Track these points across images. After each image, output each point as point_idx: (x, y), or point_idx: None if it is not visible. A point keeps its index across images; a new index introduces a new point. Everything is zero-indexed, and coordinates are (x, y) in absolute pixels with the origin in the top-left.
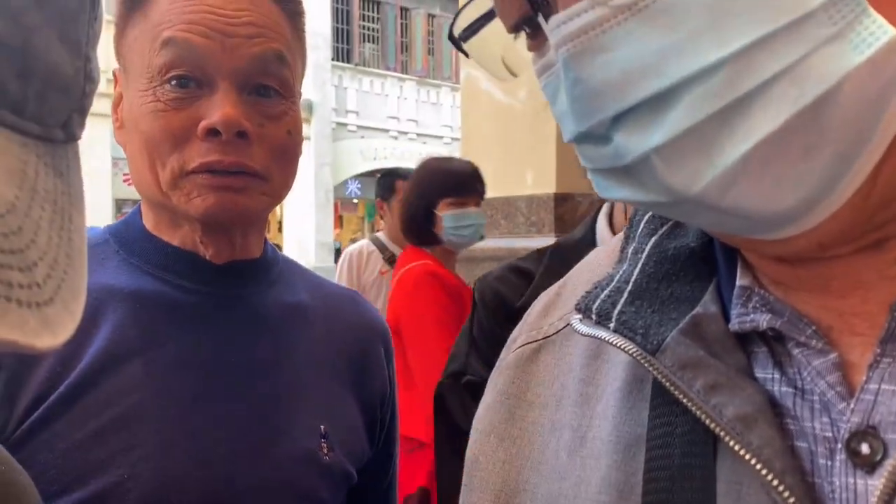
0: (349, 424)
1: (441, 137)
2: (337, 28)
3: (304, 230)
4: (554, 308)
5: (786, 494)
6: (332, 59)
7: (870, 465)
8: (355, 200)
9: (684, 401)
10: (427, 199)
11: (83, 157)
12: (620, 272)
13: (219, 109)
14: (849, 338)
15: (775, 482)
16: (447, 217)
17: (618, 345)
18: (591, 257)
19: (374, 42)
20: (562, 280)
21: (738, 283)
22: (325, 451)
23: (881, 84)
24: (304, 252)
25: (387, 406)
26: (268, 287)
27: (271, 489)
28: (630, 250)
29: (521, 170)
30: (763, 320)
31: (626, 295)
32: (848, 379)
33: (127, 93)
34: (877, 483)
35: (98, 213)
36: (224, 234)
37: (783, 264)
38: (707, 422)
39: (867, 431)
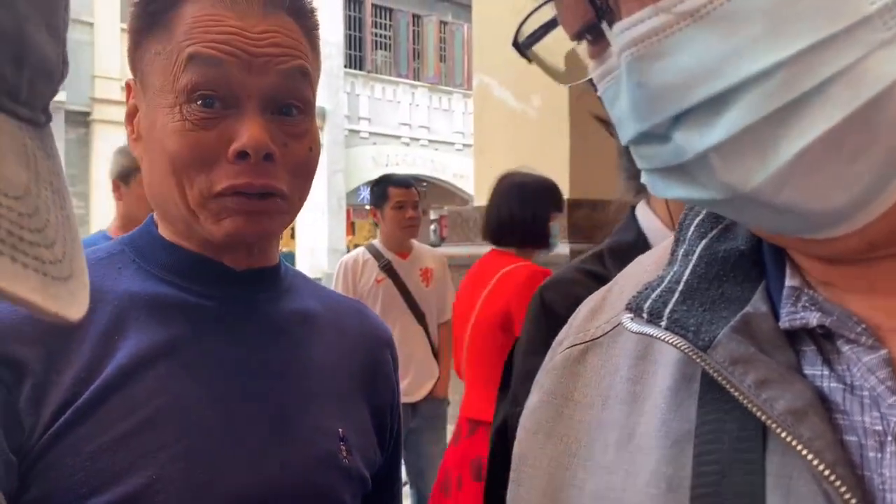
0: (363, 429)
1: (453, 144)
2: (349, 35)
3: (316, 237)
4: (601, 311)
5: (837, 484)
6: (345, 67)
7: None
8: (367, 207)
9: (736, 395)
10: (545, 210)
11: (99, 166)
12: (671, 273)
13: (247, 131)
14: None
15: (827, 472)
16: (553, 227)
17: (670, 341)
18: (638, 263)
19: (386, 49)
20: (608, 285)
21: (787, 283)
22: (344, 454)
23: None
24: (316, 259)
25: (395, 414)
26: (281, 295)
27: (295, 490)
28: (680, 253)
29: None
30: (813, 318)
31: (677, 295)
32: None
33: (146, 107)
34: None
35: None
36: (244, 246)
37: (831, 265)
38: (759, 415)
39: None
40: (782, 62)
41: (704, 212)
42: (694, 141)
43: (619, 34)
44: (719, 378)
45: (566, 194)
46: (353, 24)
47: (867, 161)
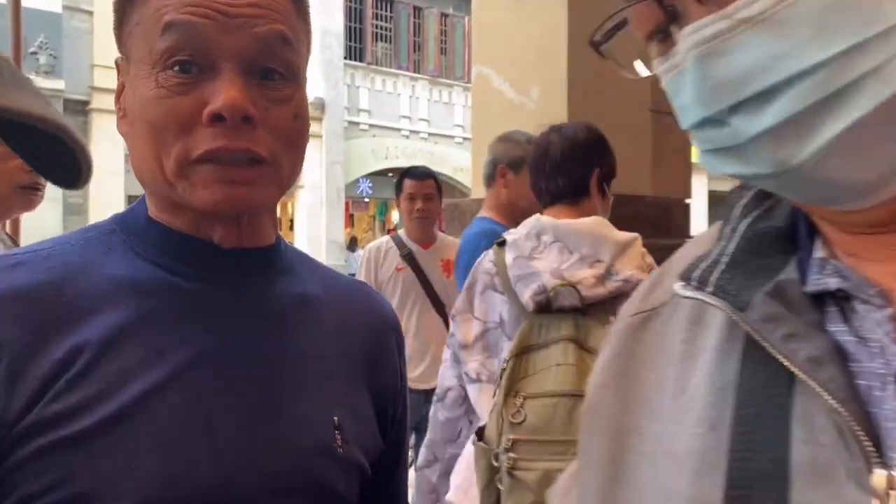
0: (362, 416)
1: (453, 137)
2: (350, 27)
3: (315, 229)
4: (659, 285)
5: (847, 416)
6: (345, 58)
7: None
8: (366, 199)
9: (766, 346)
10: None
11: (97, 155)
12: (718, 248)
13: (223, 94)
14: None
15: (839, 407)
16: None
17: (713, 303)
18: (692, 243)
19: (386, 41)
20: (667, 262)
21: (815, 255)
22: (340, 442)
23: None
24: (314, 250)
25: (398, 398)
26: (276, 277)
27: (286, 481)
28: (728, 231)
29: None
30: (833, 283)
31: (722, 265)
32: None
33: (129, 81)
34: None
35: (111, 210)
36: (231, 221)
37: (856, 237)
38: (785, 363)
39: None
40: (824, 62)
41: (749, 195)
42: (749, 125)
43: (688, 36)
44: (753, 333)
45: None
46: (354, 16)
47: (893, 144)
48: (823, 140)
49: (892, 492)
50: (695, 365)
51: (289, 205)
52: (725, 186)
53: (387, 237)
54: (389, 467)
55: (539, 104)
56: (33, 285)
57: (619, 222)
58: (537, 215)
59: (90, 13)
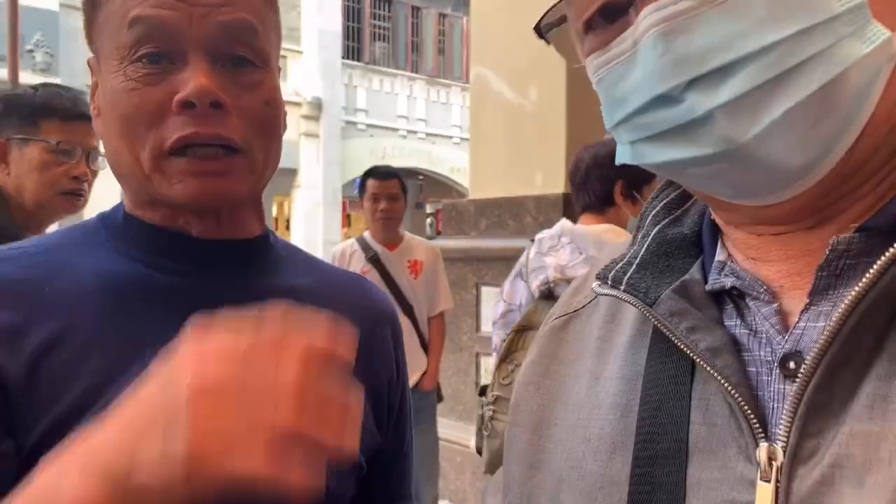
0: None
1: (450, 137)
2: (348, 26)
3: (311, 229)
4: (582, 289)
5: (738, 398)
6: (343, 58)
7: (793, 376)
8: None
9: (671, 337)
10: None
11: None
12: (631, 251)
13: (192, 81)
14: (792, 292)
15: (732, 391)
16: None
17: (626, 300)
18: (613, 249)
19: (384, 41)
20: (591, 269)
21: (716, 258)
22: None
23: (870, 75)
24: (311, 250)
25: (395, 391)
26: (263, 270)
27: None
28: (639, 236)
29: (530, 170)
30: (728, 282)
31: (633, 267)
32: (786, 322)
33: (101, 79)
34: (795, 385)
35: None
36: (210, 212)
37: (761, 238)
38: (687, 352)
39: (794, 354)
40: (778, 42)
41: (661, 205)
42: (704, 101)
43: (649, 14)
44: (660, 326)
45: (561, 188)
46: (352, 15)
47: (823, 128)
48: (772, 117)
49: (773, 462)
50: (608, 359)
51: (285, 205)
52: None
53: (351, 240)
54: (389, 461)
55: (537, 105)
56: (16, 280)
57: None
58: (564, 219)
59: None
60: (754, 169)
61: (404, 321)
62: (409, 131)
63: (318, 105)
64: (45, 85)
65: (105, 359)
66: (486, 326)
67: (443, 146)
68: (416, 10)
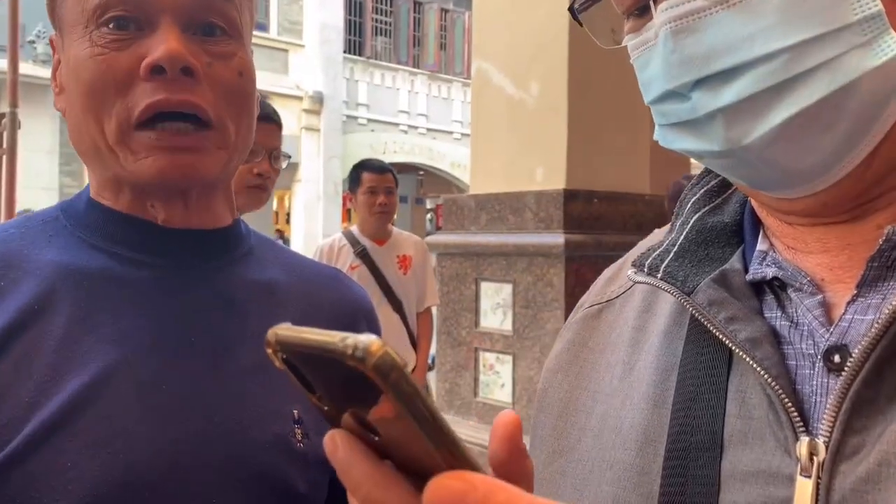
0: None
1: (451, 133)
2: (350, 21)
3: (311, 222)
4: (616, 279)
5: (778, 391)
6: (344, 52)
7: (838, 369)
8: None
9: (709, 327)
10: None
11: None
12: (669, 239)
13: (162, 45)
14: (835, 285)
15: (772, 382)
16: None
17: (663, 288)
18: (648, 238)
19: (386, 35)
20: (625, 256)
21: (757, 248)
22: (299, 437)
23: (887, 85)
24: (311, 244)
25: None
26: (234, 260)
27: (238, 479)
28: (678, 223)
29: (531, 165)
30: (770, 272)
31: (671, 255)
32: (829, 314)
33: (64, 52)
34: (841, 379)
35: None
36: (177, 196)
37: (796, 228)
38: (726, 342)
39: (839, 347)
40: (785, 48)
41: (700, 192)
42: (707, 101)
43: (664, 11)
44: (698, 315)
45: (562, 184)
46: (354, 9)
47: (833, 135)
48: (773, 123)
49: (815, 457)
50: (643, 349)
51: (286, 198)
52: None
53: (339, 234)
54: None
55: (538, 100)
56: None
57: (618, 220)
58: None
59: None
60: (760, 168)
61: (393, 317)
62: (409, 126)
63: (319, 99)
64: None
65: (62, 353)
66: (485, 321)
67: (444, 141)
68: (417, 4)
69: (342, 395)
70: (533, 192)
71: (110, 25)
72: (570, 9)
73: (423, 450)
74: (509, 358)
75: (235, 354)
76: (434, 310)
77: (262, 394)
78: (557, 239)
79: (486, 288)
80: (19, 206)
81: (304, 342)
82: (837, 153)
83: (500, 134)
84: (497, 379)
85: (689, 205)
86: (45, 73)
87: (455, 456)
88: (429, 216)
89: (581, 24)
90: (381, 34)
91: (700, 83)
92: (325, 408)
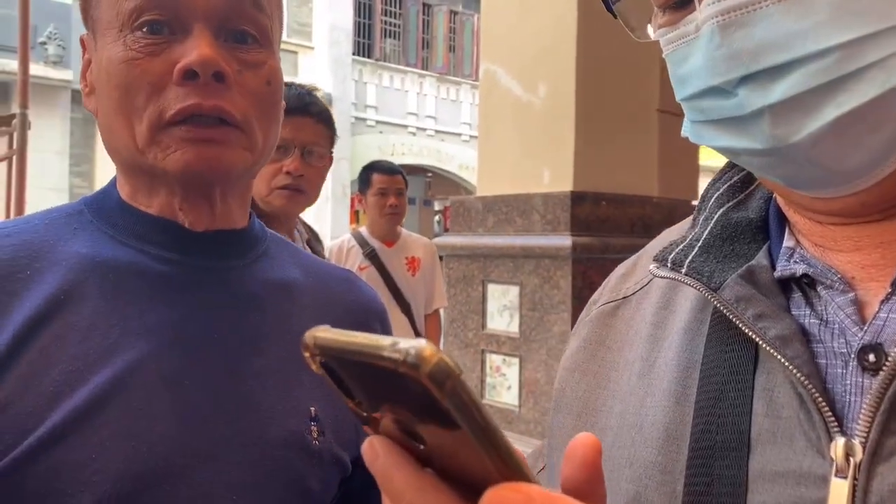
0: (343, 408)
1: (459, 135)
2: (359, 22)
3: (320, 224)
4: (632, 275)
5: (811, 389)
6: (353, 54)
7: (874, 369)
8: None
9: (738, 324)
10: None
11: (102, 148)
12: (692, 234)
13: (195, 50)
14: (867, 283)
15: (804, 380)
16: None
17: (688, 283)
18: (664, 234)
19: (395, 38)
20: (638, 252)
21: (784, 244)
22: (315, 435)
23: None
24: None
25: None
26: (253, 261)
27: (254, 475)
28: (701, 218)
29: (538, 167)
30: (799, 269)
31: (696, 249)
32: (862, 313)
33: (96, 54)
34: (878, 379)
35: None
36: (204, 197)
37: (826, 227)
38: (756, 339)
39: (875, 346)
40: (837, 46)
41: (724, 188)
42: (755, 98)
43: (710, 5)
44: (726, 311)
45: (569, 186)
46: (363, 11)
47: (881, 135)
48: (823, 122)
49: (850, 458)
50: (662, 345)
51: None
52: None
53: (348, 235)
54: None
55: (546, 103)
56: None
57: (626, 223)
58: None
59: None
60: (804, 167)
61: (402, 319)
62: (418, 128)
63: (327, 101)
64: (287, 85)
65: (88, 344)
66: (492, 323)
67: (452, 143)
68: (426, 7)
69: (383, 400)
70: (540, 195)
71: (144, 29)
72: (605, 0)
73: (474, 459)
74: (516, 360)
75: (255, 351)
76: (441, 311)
77: (280, 391)
78: (565, 241)
79: (493, 290)
80: (28, 207)
81: (346, 346)
82: (884, 153)
83: (507, 136)
84: (504, 381)
85: (712, 200)
86: (56, 74)
87: (509, 466)
88: (437, 218)
89: (615, 16)
90: (389, 36)
91: (747, 79)
92: (364, 413)
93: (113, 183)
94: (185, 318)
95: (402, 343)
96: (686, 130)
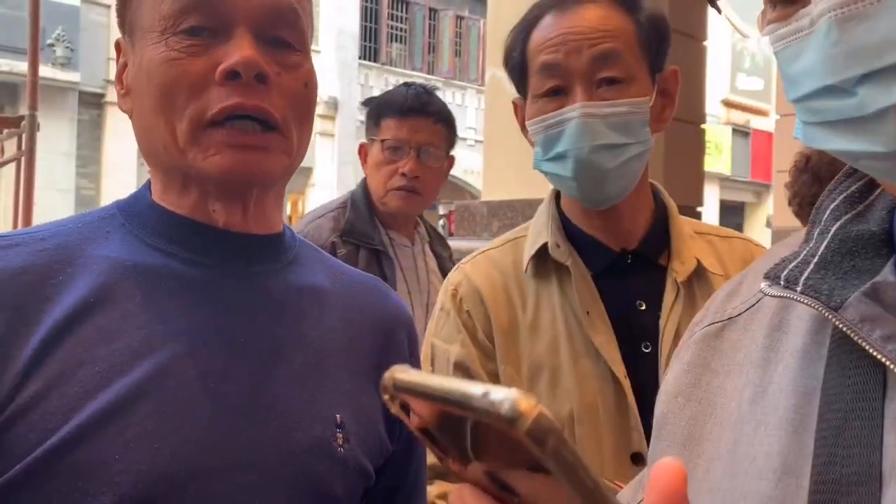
0: (368, 416)
1: (465, 139)
2: (365, 27)
3: None
4: (737, 294)
5: None
6: (359, 58)
7: None
8: None
9: (865, 346)
10: None
11: (111, 148)
12: (807, 249)
13: (237, 52)
14: None
15: None
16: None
17: (805, 302)
18: (773, 250)
19: (401, 42)
20: (744, 271)
21: None
22: (340, 442)
23: None
24: None
25: None
26: (284, 267)
27: (279, 479)
28: (816, 232)
29: None
30: None
31: (812, 266)
32: None
33: (134, 55)
34: None
35: None
36: (238, 198)
37: None
38: (886, 363)
39: None
40: None
41: (840, 199)
42: (879, 97)
43: None
44: (850, 332)
45: None
46: (370, 16)
47: None
48: None
49: None
50: (776, 370)
51: (300, 203)
52: (737, 196)
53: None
54: (399, 470)
55: None
56: (25, 267)
57: None
58: None
59: (108, 7)
60: None
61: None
62: None
63: (334, 104)
64: (406, 85)
65: (116, 347)
66: None
67: (457, 148)
68: (433, 11)
69: (471, 448)
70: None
71: (186, 32)
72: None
73: None
74: None
75: (283, 357)
76: None
77: (307, 397)
78: None
79: None
80: (36, 208)
81: (430, 391)
82: None
83: (512, 141)
84: None
85: (827, 212)
86: (64, 76)
87: None
88: (441, 222)
89: (720, 12)
90: (396, 41)
91: (868, 77)
92: (451, 460)
93: (146, 185)
94: (213, 321)
95: (493, 393)
96: (797, 133)
